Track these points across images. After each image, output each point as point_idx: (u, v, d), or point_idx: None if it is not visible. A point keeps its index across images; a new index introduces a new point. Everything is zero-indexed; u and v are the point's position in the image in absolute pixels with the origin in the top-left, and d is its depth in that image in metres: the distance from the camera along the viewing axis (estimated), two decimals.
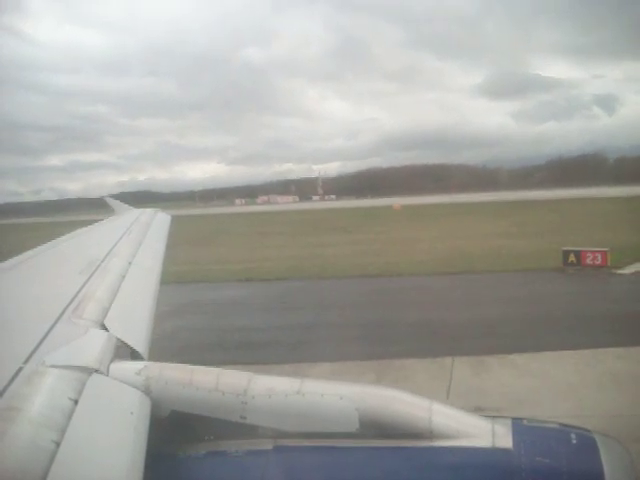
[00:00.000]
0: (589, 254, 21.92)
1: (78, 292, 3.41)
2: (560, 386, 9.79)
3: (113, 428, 1.95)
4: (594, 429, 2.19)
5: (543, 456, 2.01)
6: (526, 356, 11.58)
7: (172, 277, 18.36)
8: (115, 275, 4.15)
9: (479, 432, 2.12)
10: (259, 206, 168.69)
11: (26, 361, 2.18)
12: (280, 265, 27.25)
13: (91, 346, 2.48)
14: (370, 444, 2.13)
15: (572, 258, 22.09)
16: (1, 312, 3.03)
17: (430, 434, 2.11)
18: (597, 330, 13.07)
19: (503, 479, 1.99)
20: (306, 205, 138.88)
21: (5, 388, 1.94)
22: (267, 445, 2.19)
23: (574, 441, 2.08)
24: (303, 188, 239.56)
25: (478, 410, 7.23)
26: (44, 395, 1.93)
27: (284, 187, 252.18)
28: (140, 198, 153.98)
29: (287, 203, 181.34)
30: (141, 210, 10.75)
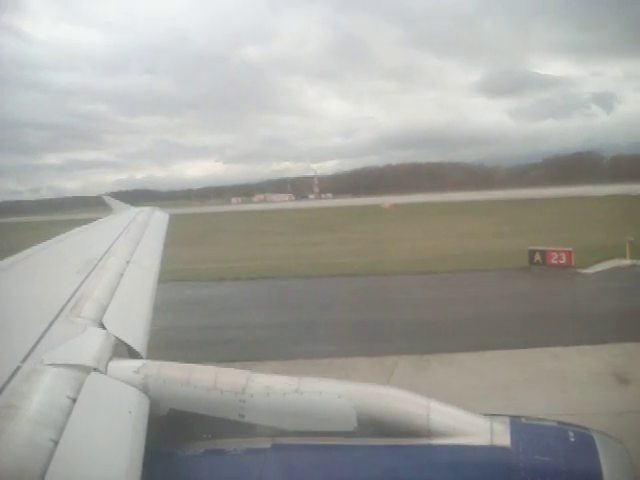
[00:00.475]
0: (554, 254, 22.07)
1: (76, 291, 3.40)
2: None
3: (111, 426, 1.95)
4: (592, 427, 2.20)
5: (541, 454, 2.01)
6: (463, 356, 11.82)
7: None
8: (113, 274, 4.13)
9: (477, 430, 2.12)
10: (255, 205, 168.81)
11: (24, 359, 2.17)
12: (262, 264, 27.64)
13: (89, 345, 2.47)
14: (368, 442, 2.13)
15: (538, 257, 22.28)
16: None
17: (428, 432, 2.11)
18: (538, 330, 13.23)
19: (501, 477, 1.98)
20: (301, 204, 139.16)
21: (4, 386, 1.93)
22: (265, 443, 2.20)
23: (572, 439, 2.08)
24: (300, 187, 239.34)
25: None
26: (42, 393, 1.92)
27: (281, 186, 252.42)
28: (138, 196, 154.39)
29: (283, 202, 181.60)
30: (139, 209, 10.70)
